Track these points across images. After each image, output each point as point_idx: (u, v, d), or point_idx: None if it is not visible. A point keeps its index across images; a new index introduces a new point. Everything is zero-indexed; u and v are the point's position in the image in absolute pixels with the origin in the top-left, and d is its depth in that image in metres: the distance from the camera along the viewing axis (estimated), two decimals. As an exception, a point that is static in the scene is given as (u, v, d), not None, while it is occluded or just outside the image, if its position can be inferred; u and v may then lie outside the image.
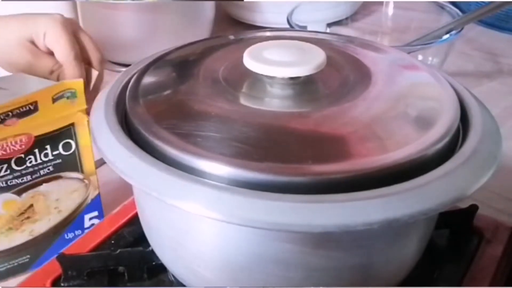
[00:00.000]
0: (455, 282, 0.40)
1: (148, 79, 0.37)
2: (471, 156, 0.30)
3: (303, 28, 0.68)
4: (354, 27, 0.83)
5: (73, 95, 0.43)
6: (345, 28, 0.82)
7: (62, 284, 0.40)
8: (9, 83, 0.45)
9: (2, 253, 0.44)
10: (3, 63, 0.54)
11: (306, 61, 0.35)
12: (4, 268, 0.44)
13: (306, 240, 0.30)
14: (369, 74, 0.38)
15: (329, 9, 0.80)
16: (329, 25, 0.80)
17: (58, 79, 0.53)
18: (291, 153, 0.30)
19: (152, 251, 0.39)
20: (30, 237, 0.45)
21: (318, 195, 0.27)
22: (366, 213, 0.27)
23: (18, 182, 0.42)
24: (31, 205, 0.44)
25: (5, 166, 0.41)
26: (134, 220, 0.44)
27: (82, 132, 0.44)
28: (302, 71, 0.34)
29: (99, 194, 0.48)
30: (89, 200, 0.47)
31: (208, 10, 0.81)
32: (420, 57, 0.66)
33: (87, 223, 0.48)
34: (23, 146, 0.42)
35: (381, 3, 0.80)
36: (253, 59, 0.35)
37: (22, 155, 0.42)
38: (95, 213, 0.48)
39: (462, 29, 0.66)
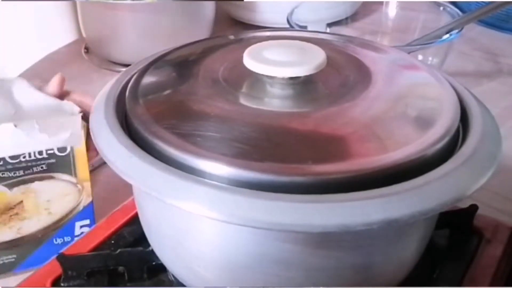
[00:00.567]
0: (455, 282, 0.40)
1: (148, 79, 0.37)
2: (471, 156, 0.30)
3: (303, 28, 0.68)
4: (354, 27, 0.83)
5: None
6: (345, 28, 0.81)
7: (62, 284, 0.40)
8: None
9: None
10: None
11: (306, 61, 0.35)
12: None
13: (306, 240, 0.30)
14: (369, 74, 0.38)
15: (329, 9, 0.80)
16: (329, 25, 0.80)
17: None
18: (291, 153, 0.30)
19: (152, 251, 0.39)
20: (18, 235, 0.44)
21: (318, 195, 0.27)
22: (366, 213, 0.27)
23: (11, 175, 0.42)
24: (21, 202, 0.44)
25: None
26: (134, 220, 0.44)
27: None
28: (302, 71, 0.34)
29: (92, 202, 0.47)
30: (81, 207, 0.47)
31: (208, 10, 0.81)
32: (420, 57, 0.66)
33: (77, 231, 0.47)
34: None
35: (381, 3, 0.80)
36: (253, 59, 0.35)
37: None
38: (87, 221, 0.47)
39: (462, 29, 0.66)
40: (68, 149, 0.44)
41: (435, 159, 0.30)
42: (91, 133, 0.34)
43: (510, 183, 0.53)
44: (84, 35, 0.82)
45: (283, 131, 0.32)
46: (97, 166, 0.57)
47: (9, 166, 0.42)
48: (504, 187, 0.53)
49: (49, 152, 0.43)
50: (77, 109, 0.48)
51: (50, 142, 0.45)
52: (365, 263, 0.33)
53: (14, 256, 0.45)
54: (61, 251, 0.41)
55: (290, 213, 0.27)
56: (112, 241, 0.44)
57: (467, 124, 0.34)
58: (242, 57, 0.35)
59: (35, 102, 0.48)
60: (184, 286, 0.38)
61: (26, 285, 0.40)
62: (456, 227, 0.44)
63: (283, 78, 0.34)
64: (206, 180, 0.29)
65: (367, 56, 0.40)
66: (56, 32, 0.85)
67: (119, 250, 0.40)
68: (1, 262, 0.44)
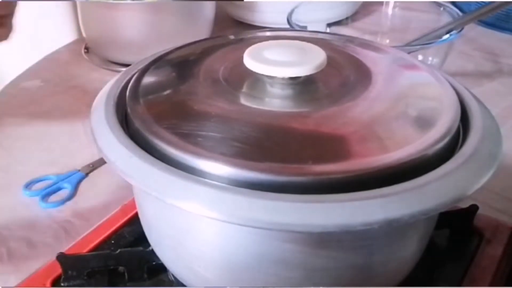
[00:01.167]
0: (455, 282, 0.40)
1: (148, 79, 0.37)
2: (471, 156, 0.30)
3: (303, 28, 0.68)
4: (354, 27, 0.83)
5: None
6: (345, 28, 0.82)
7: (62, 284, 0.40)
8: None
9: None
10: None
11: (306, 61, 0.35)
12: None
13: (306, 240, 0.30)
14: (369, 74, 0.38)
15: (329, 9, 0.80)
16: (329, 25, 0.80)
17: None
18: (291, 153, 0.30)
19: (152, 251, 0.39)
20: None
21: (318, 195, 0.27)
22: (366, 213, 0.27)
23: None
24: None
25: None
26: (134, 220, 0.44)
27: None
28: (302, 71, 0.34)
29: None
30: None
31: (208, 10, 0.81)
32: (420, 57, 0.66)
33: None
34: None
35: (381, 3, 0.80)
36: (253, 59, 0.35)
37: None
38: None
39: (462, 29, 0.66)
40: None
41: (436, 159, 0.30)
42: (92, 133, 0.34)
43: (510, 183, 0.53)
44: (84, 35, 0.82)
45: (283, 131, 0.32)
46: (97, 166, 0.57)
47: None
48: (504, 187, 0.53)
49: None
50: None
51: None
52: (365, 263, 0.33)
53: None
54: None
55: (290, 213, 0.27)
56: (112, 241, 0.44)
57: (468, 124, 0.34)
58: (242, 57, 0.35)
59: None
60: (184, 286, 0.38)
61: (26, 285, 0.40)
62: (456, 227, 0.44)
63: (283, 78, 0.34)
64: (206, 180, 0.29)
65: (367, 56, 0.40)
66: (56, 32, 0.85)
67: (119, 250, 0.40)
68: None
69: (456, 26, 0.65)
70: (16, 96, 0.73)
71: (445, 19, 0.70)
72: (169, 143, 0.31)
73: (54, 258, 0.41)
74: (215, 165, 0.29)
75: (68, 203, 0.53)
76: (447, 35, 0.65)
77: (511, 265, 0.43)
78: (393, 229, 0.32)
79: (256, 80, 0.36)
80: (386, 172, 0.29)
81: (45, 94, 0.72)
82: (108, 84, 0.38)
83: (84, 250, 0.42)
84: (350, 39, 0.44)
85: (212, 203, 0.28)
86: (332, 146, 0.31)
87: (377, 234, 0.31)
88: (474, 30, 0.86)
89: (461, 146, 0.32)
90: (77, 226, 0.49)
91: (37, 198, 0.53)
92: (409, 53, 0.45)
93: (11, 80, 0.76)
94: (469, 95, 0.37)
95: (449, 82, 0.37)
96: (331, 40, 0.43)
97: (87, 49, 0.82)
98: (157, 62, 0.40)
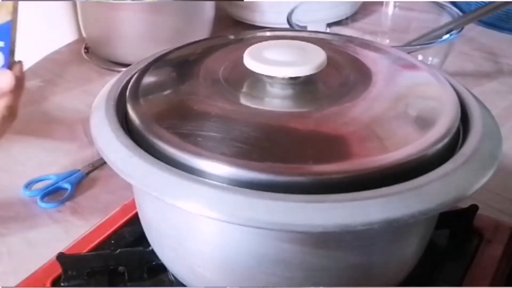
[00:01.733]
0: (455, 282, 0.40)
1: (148, 79, 0.37)
2: (472, 156, 0.30)
3: (303, 28, 0.68)
4: (354, 27, 0.83)
5: None
6: (345, 28, 0.82)
7: (62, 284, 0.40)
8: None
9: None
10: None
11: (306, 61, 0.35)
12: None
13: (307, 240, 0.30)
14: (369, 74, 0.38)
15: (329, 9, 0.80)
16: (329, 25, 0.80)
17: None
18: (291, 153, 0.30)
19: (152, 251, 0.39)
20: None
21: (319, 195, 0.27)
22: (367, 213, 0.27)
23: None
24: None
25: None
26: (134, 220, 0.44)
27: None
28: (302, 71, 0.34)
29: (10, 22, 0.43)
30: None
31: (208, 10, 0.81)
32: (420, 57, 0.66)
33: None
34: None
35: (381, 3, 0.80)
36: (253, 59, 0.35)
37: None
38: (1, 43, 0.44)
39: (462, 29, 0.66)
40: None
41: (436, 159, 0.30)
42: (92, 133, 0.34)
43: (510, 183, 0.53)
44: (84, 35, 0.82)
45: (283, 131, 0.32)
46: (97, 166, 0.57)
47: None
48: (504, 187, 0.53)
49: None
50: None
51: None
52: (365, 263, 0.33)
53: None
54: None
55: (290, 213, 0.27)
56: (112, 241, 0.44)
57: (468, 124, 0.34)
58: (242, 57, 0.35)
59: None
60: (184, 286, 0.38)
61: (26, 285, 0.40)
62: (456, 227, 0.44)
63: (283, 78, 0.34)
64: (206, 180, 0.29)
65: (367, 56, 0.40)
66: (56, 32, 0.85)
67: (119, 250, 0.40)
68: None
69: (456, 26, 0.65)
70: (16, 96, 0.72)
71: (445, 19, 0.70)
72: (169, 143, 0.31)
73: (54, 258, 0.41)
74: (215, 165, 0.29)
75: (68, 203, 0.53)
76: (447, 35, 0.65)
77: (511, 265, 0.43)
78: (393, 229, 0.32)
79: (256, 80, 0.36)
80: (386, 172, 0.29)
81: (45, 94, 0.72)
82: (108, 84, 0.38)
83: (84, 250, 0.42)
84: (350, 39, 0.44)
85: (212, 203, 0.28)
86: (332, 146, 0.31)
87: (377, 234, 0.31)
88: (474, 30, 0.86)
89: (461, 146, 0.32)
90: (77, 226, 0.49)
91: (37, 198, 0.53)
92: (409, 53, 0.45)
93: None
94: (469, 95, 0.37)
95: (449, 82, 0.37)
96: (331, 40, 0.43)
97: (87, 49, 0.82)
98: (157, 62, 0.40)
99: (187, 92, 0.36)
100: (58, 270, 0.40)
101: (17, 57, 0.48)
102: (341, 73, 0.38)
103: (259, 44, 0.37)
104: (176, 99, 0.36)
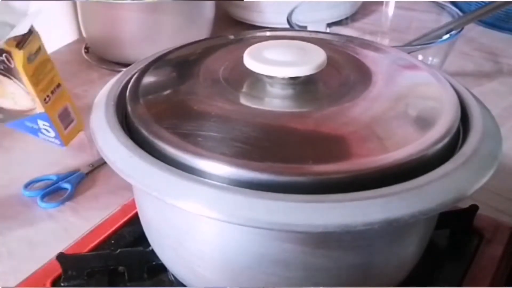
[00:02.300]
0: (455, 282, 0.40)
1: (148, 79, 0.37)
2: (471, 156, 0.30)
3: (303, 28, 0.68)
4: (354, 27, 0.83)
5: None
6: (345, 28, 0.81)
7: (62, 284, 0.40)
8: None
9: None
10: None
11: (306, 61, 0.35)
12: None
13: (307, 240, 0.30)
14: (369, 74, 0.38)
15: (329, 9, 0.80)
16: (329, 25, 0.80)
17: None
18: (291, 153, 0.30)
19: (152, 251, 0.39)
20: None
21: (319, 195, 0.27)
22: (367, 213, 0.27)
23: None
24: None
25: None
26: (134, 220, 0.44)
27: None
28: (302, 71, 0.34)
29: (45, 113, 0.56)
30: (36, 112, 0.57)
31: (208, 10, 0.81)
32: (420, 57, 0.66)
33: (41, 126, 0.58)
34: None
35: (381, 3, 0.80)
36: (253, 59, 0.35)
37: None
38: (46, 123, 0.58)
39: (462, 29, 0.66)
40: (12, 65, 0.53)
41: (436, 159, 0.30)
42: (92, 133, 0.34)
43: (510, 183, 0.53)
44: (84, 35, 0.82)
45: (283, 131, 0.32)
46: (97, 166, 0.57)
47: None
48: (504, 187, 0.53)
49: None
50: None
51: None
52: (365, 263, 0.33)
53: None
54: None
55: (290, 213, 0.27)
56: (112, 241, 0.44)
57: (468, 124, 0.34)
58: (242, 57, 0.35)
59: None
60: (184, 286, 0.38)
61: (26, 285, 0.40)
62: (456, 227, 0.44)
63: (283, 78, 0.34)
64: (206, 180, 0.29)
65: (367, 56, 0.40)
66: (56, 32, 0.85)
67: (119, 250, 0.40)
68: None
69: (456, 26, 0.65)
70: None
71: (445, 19, 0.70)
72: (169, 143, 0.31)
73: (54, 258, 0.41)
74: (215, 165, 0.29)
75: (68, 203, 0.53)
76: (447, 35, 0.65)
77: (511, 265, 0.43)
78: (393, 229, 0.32)
79: (256, 80, 0.36)
80: (386, 172, 0.29)
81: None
82: (108, 84, 0.38)
83: (84, 250, 0.42)
84: (350, 39, 0.44)
85: (212, 203, 0.28)
86: (332, 146, 0.31)
87: (377, 234, 0.31)
88: (474, 30, 0.86)
89: (461, 146, 0.32)
90: (77, 226, 0.49)
91: (37, 198, 0.53)
92: (409, 53, 0.45)
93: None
94: (469, 95, 0.37)
95: (449, 82, 0.37)
96: (331, 40, 0.43)
97: (87, 49, 0.82)
98: (157, 62, 0.40)
99: (187, 92, 0.36)
100: (58, 270, 0.40)
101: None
102: (341, 73, 0.38)
103: (259, 44, 0.37)
104: (176, 99, 0.36)
